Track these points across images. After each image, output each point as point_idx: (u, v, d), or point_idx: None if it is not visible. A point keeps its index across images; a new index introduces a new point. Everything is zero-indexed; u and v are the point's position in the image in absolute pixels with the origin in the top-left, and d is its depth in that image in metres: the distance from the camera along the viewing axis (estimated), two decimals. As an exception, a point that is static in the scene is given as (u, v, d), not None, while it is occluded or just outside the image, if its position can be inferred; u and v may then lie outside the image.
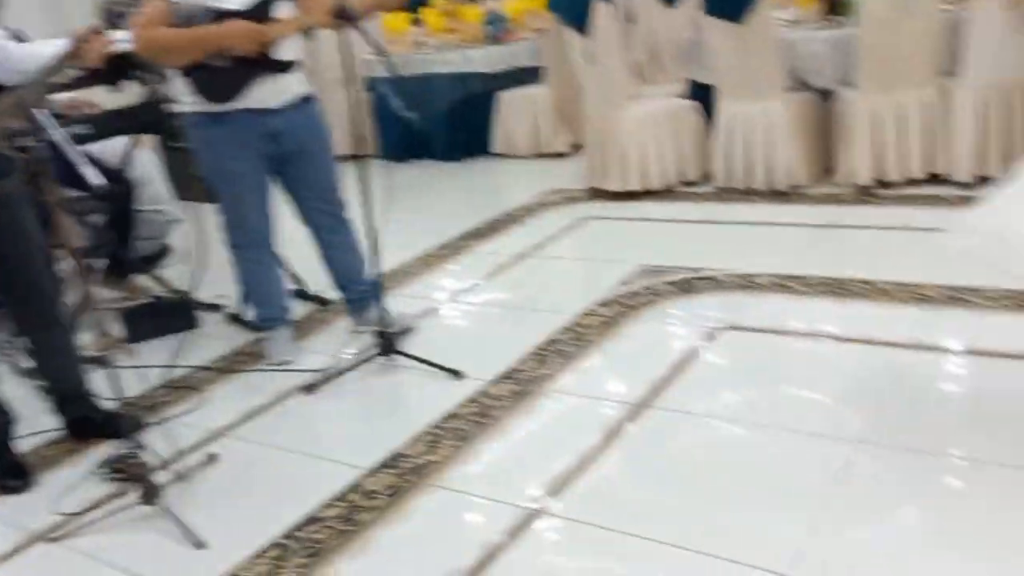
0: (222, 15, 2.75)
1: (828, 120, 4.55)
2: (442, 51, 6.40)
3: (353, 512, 2.23)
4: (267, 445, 2.68)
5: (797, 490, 2.09)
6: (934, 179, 4.21)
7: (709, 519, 2.04)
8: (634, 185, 4.75)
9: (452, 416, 2.66)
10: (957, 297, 2.99)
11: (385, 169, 3.27)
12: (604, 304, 3.38)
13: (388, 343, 3.01)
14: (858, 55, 4.13)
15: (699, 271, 3.58)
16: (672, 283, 3.51)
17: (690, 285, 3.47)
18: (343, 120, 4.98)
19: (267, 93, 2.89)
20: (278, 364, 3.19)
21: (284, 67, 2.91)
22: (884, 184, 4.24)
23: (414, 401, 2.87)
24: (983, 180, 4.03)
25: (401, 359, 3.01)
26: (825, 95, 4.53)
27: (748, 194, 4.54)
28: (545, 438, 2.51)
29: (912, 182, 4.22)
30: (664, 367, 2.80)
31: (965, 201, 3.91)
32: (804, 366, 2.78)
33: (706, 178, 4.83)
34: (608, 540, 2.02)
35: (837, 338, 2.89)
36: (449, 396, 2.77)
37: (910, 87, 4.11)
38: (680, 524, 2.03)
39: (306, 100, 3.04)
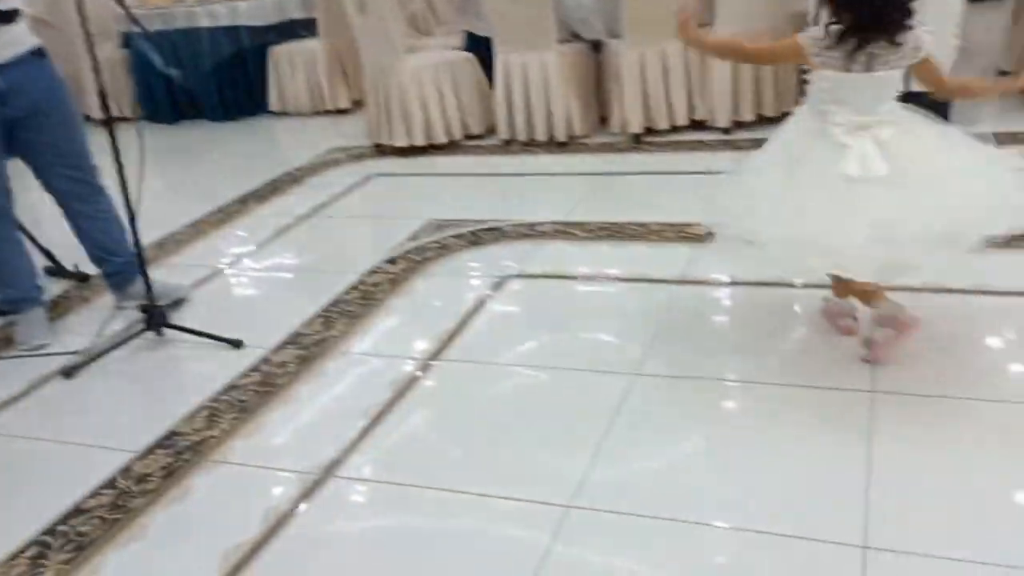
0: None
1: (600, 71, 4.70)
2: (205, 4, 5.99)
3: (122, 498, 2.05)
4: (22, 438, 2.41)
5: (583, 425, 2.15)
6: (697, 125, 4.48)
7: (500, 463, 2.06)
8: (419, 140, 4.70)
9: (232, 388, 2.51)
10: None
11: (149, 131, 3.00)
12: (392, 261, 3.32)
13: (156, 317, 2.79)
14: (622, 7, 4.27)
15: (485, 223, 3.60)
16: (460, 236, 3.50)
17: (477, 237, 3.48)
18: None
19: (-14, 47, 2.55)
20: (31, 349, 2.87)
21: (6, 17, 2.57)
22: (653, 131, 4.46)
23: (189, 376, 2.69)
24: (739, 125, 4.35)
25: (173, 333, 2.81)
26: (596, 46, 4.67)
27: (530, 145, 4.62)
28: (334, 401, 2.44)
29: (677, 129, 4.46)
30: (454, 319, 2.79)
31: (725, 145, 4.20)
32: (588, 307, 2.88)
33: (490, 131, 4.87)
34: (404, 496, 1.99)
35: (617, 278, 3.01)
36: (228, 367, 2.61)
37: (672, 38, 4.31)
38: (473, 472, 2.03)
39: (35, 54, 2.70)
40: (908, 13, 1.94)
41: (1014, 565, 1.58)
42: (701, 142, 4.32)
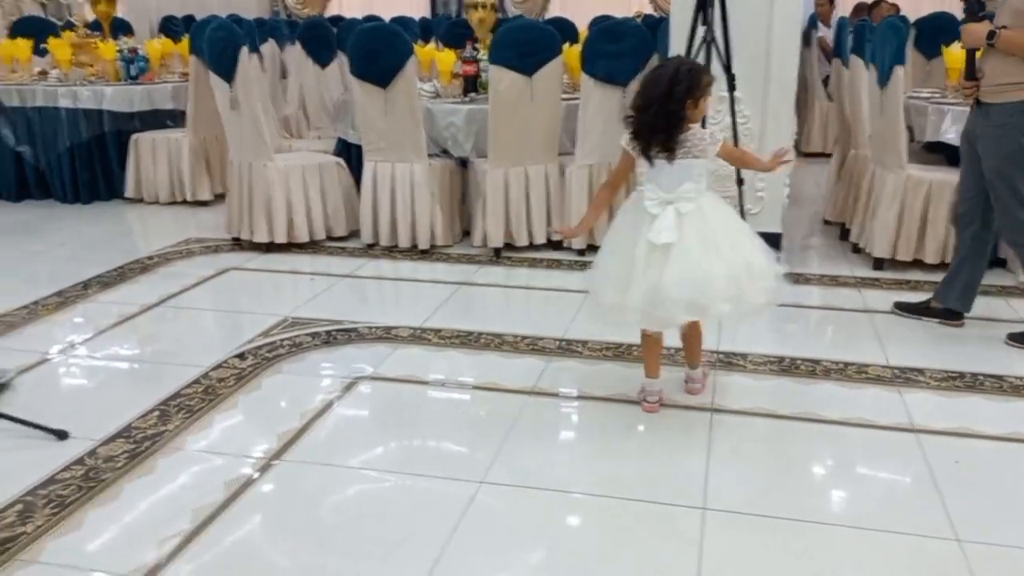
0: None
1: (466, 186, 4.87)
2: (69, 84, 5.85)
3: (-94, 602, 1.85)
4: None
5: (425, 533, 2.13)
6: (554, 245, 4.69)
7: (338, 572, 2.00)
8: (280, 237, 4.67)
9: (51, 482, 2.34)
10: (568, 348, 3.32)
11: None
12: (240, 356, 3.24)
13: (-27, 401, 2.59)
14: (489, 132, 4.48)
15: (341, 323, 3.59)
16: (314, 335, 3.46)
17: (332, 337, 3.45)
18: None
19: None
20: None
21: None
22: (512, 248, 4.62)
23: (3, 467, 2.47)
24: (592, 248, 4.57)
25: (-9, 419, 2.61)
26: (463, 162, 4.84)
27: (392, 251, 4.68)
28: (163, 501, 2.30)
29: (535, 247, 4.65)
30: (299, 419, 2.73)
31: (579, 265, 4.40)
32: (438, 413, 2.88)
33: (353, 234, 4.90)
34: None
35: (469, 386, 3.04)
36: (50, 459, 2.44)
37: (534, 162, 4.55)
38: (305, 578, 1.96)
39: None
40: (673, 125, 2.46)
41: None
42: (558, 261, 4.52)
